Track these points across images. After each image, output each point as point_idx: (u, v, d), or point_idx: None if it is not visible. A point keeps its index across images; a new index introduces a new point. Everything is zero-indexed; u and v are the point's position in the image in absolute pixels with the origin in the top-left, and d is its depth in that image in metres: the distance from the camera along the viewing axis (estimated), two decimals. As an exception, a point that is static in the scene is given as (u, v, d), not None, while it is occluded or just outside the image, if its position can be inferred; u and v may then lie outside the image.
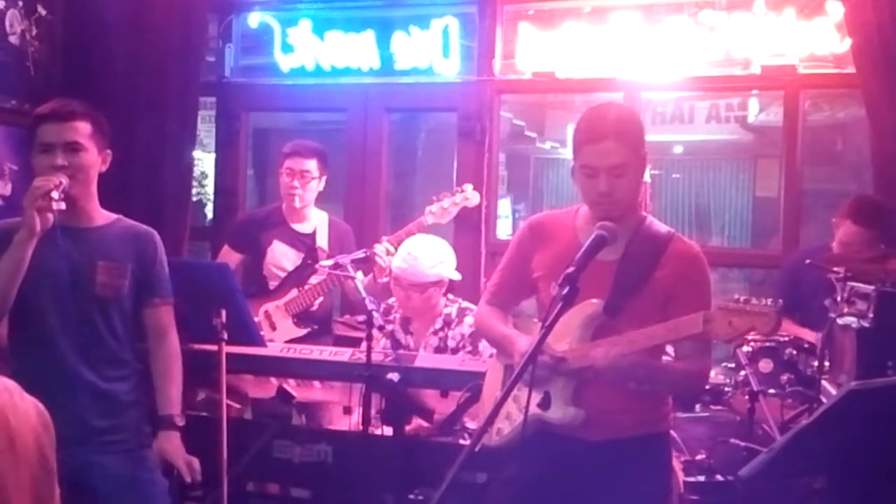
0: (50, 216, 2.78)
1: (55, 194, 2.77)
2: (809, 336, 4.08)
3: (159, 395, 3.10)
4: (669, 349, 2.86)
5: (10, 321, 2.98)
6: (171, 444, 3.08)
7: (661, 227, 2.77)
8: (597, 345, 2.58)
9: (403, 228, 4.44)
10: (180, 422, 3.12)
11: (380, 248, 4.29)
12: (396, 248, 4.26)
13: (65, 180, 2.83)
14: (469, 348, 4.01)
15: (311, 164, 4.57)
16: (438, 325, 4.12)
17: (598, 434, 2.65)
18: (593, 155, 2.60)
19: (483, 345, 3.89)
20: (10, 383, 1.32)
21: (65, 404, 2.85)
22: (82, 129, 2.94)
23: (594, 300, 2.63)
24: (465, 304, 4.17)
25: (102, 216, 3.09)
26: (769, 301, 2.47)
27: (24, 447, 1.25)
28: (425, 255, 4.07)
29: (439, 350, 4.07)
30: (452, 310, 4.14)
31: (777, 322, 2.46)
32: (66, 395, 2.90)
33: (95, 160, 2.99)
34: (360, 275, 4.23)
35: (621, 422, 2.66)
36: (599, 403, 2.63)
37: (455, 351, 4.04)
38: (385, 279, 4.26)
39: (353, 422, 3.80)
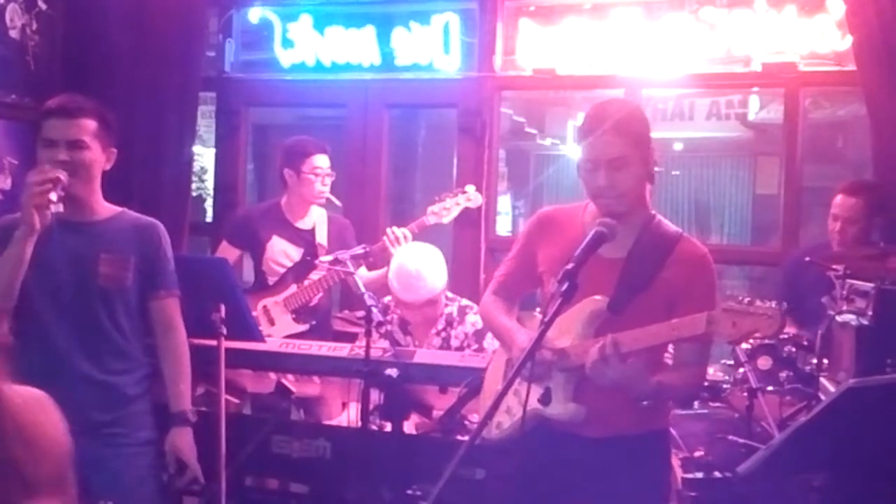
0: (49, 213, 2.78)
1: (53, 196, 2.77)
2: (803, 335, 4.08)
3: (170, 391, 3.10)
4: (670, 347, 2.86)
5: (15, 316, 2.99)
6: (185, 442, 3.09)
7: (670, 227, 2.75)
8: (597, 341, 2.55)
9: (406, 227, 4.43)
10: (193, 417, 3.13)
11: (393, 232, 4.30)
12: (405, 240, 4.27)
13: (63, 176, 2.82)
14: (475, 346, 4.00)
15: (329, 160, 4.57)
16: (441, 325, 4.10)
17: (598, 431, 2.65)
18: (592, 148, 2.61)
19: (488, 342, 3.88)
20: (41, 395, 1.34)
21: (65, 397, 2.83)
22: (87, 127, 2.94)
23: (598, 297, 2.62)
24: (465, 301, 4.16)
25: (106, 210, 3.09)
26: (773, 303, 2.45)
27: (47, 460, 1.27)
28: (428, 268, 4.03)
29: (442, 350, 4.06)
30: (453, 308, 4.12)
31: (781, 324, 2.45)
32: (66, 388, 2.87)
33: (98, 158, 2.99)
34: (362, 270, 4.23)
35: (621, 419, 2.65)
36: (600, 400, 2.62)
37: (459, 350, 4.02)
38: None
39: (350, 415, 3.81)
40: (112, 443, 2.99)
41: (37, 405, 1.31)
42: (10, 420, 1.24)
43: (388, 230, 4.39)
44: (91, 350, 2.98)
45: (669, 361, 2.84)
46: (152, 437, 3.10)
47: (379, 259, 4.36)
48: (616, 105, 2.77)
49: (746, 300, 2.47)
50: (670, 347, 2.84)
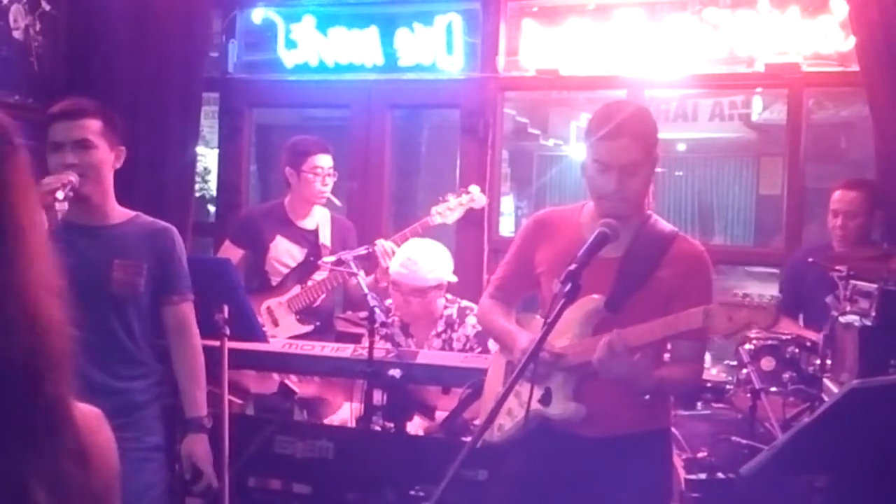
0: (57, 214, 2.76)
1: (60, 194, 2.75)
2: (811, 336, 4.08)
3: (185, 397, 3.08)
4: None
5: None
6: (201, 448, 3.07)
7: (666, 226, 2.78)
8: (597, 339, 2.57)
9: (409, 228, 4.43)
10: (208, 423, 3.11)
11: (382, 245, 4.28)
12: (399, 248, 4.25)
13: (74, 178, 2.82)
14: (478, 348, 4.00)
15: (331, 160, 4.56)
16: (441, 327, 4.11)
17: (599, 430, 2.66)
18: (608, 151, 2.61)
19: (492, 343, 3.88)
20: (99, 413, 1.34)
21: None
22: (92, 127, 2.94)
23: (595, 296, 2.63)
24: (465, 303, 4.16)
25: (119, 214, 3.07)
26: (768, 296, 2.49)
27: (99, 480, 1.28)
28: (424, 259, 4.05)
29: (444, 352, 4.05)
30: (453, 311, 4.12)
31: (776, 316, 2.49)
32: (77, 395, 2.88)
33: (107, 157, 2.97)
34: (362, 273, 4.23)
35: (622, 418, 2.66)
36: (600, 400, 2.63)
37: (462, 352, 4.02)
38: (385, 284, 4.25)
39: (350, 409, 3.81)
40: (120, 447, 2.97)
41: (97, 424, 1.31)
42: (73, 437, 1.23)
43: (382, 241, 4.36)
44: (101, 356, 2.93)
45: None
46: (161, 443, 3.06)
47: (373, 264, 4.37)
48: (633, 109, 2.76)
49: (742, 294, 2.52)
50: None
